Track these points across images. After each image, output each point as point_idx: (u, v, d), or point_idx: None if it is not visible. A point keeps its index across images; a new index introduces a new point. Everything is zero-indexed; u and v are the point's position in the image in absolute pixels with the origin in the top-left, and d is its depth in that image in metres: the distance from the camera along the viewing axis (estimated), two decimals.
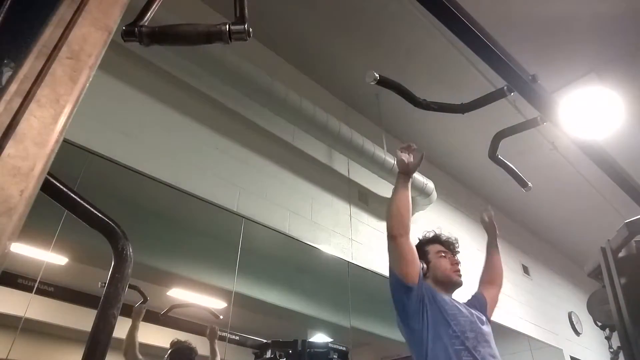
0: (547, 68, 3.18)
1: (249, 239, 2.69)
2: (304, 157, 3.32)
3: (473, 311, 1.60)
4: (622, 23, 3.07)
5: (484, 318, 1.60)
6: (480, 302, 1.75)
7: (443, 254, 1.69)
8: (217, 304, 2.69)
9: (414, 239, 1.61)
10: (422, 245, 1.74)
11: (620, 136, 3.40)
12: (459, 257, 1.76)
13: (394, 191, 1.58)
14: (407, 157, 1.58)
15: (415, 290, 1.49)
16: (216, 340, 2.41)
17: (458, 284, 1.65)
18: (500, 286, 1.92)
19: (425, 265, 1.64)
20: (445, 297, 1.57)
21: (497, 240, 1.96)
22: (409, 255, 1.52)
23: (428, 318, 1.46)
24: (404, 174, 1.59)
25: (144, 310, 2.18)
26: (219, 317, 2.59)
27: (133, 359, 2.07)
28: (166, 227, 2.65)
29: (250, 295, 2.86)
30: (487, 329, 1.55)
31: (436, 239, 1.75)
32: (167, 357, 2.22)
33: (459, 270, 1.66)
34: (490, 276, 1.88)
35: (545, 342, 4.81)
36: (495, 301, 1.84)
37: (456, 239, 1.79)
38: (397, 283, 1.52)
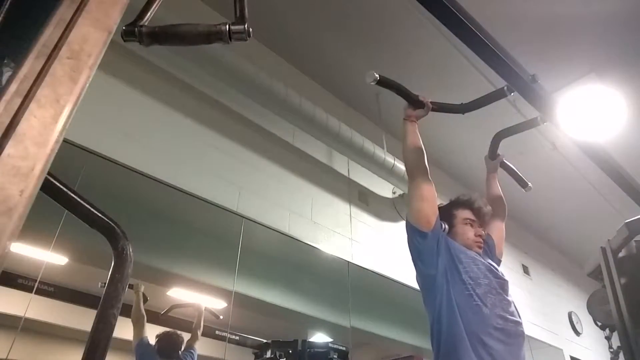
0: (547, 68, 3.18)
1: (249, 239, 2.69)
2: (304, 157, 3.32)
3: (488, 260, 1.57)
4: (622, 23, 3.07)
5: (498, 271, 1.55)
6: (489, 247, 1.71)
7: (470, 223, 1.61)
8: (217, 304, 2.69)
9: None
10: (451, 207, 1.66)
11: (621, 136, 3.39)
12: None
13: (403, 138, 1.60)
14: (412, 108, 1.61)
15: (430, 236, 1.46)
16: (202, 317, 2.57)
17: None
18: (504, 215, 1.88)
19: (446, 227, 1.57)
20: (461, 246, 1.54)
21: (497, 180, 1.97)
22: (425, 193, 1.51)
23: (442, 264, 1.44)
24: (408, 120, 1.61)
25: (142, 287, 2.31)
26: (219, 317, 2.59)
27: (142, 328, 2.25)
28: (166, 227, 2.65)
29: (250, 295, 2.85)
30: (502, 277, 1.52)
31: (468, 204, 1.65)
32: (155, 344, 2.29)
33: (480, 242, 1.59)
34: (492, 209, 1.80)
35: (545, 342, 4.81)
36: (502, 236, 1.81)
37: (490, 211, 1.70)
38: (412, 231, 1.49)
